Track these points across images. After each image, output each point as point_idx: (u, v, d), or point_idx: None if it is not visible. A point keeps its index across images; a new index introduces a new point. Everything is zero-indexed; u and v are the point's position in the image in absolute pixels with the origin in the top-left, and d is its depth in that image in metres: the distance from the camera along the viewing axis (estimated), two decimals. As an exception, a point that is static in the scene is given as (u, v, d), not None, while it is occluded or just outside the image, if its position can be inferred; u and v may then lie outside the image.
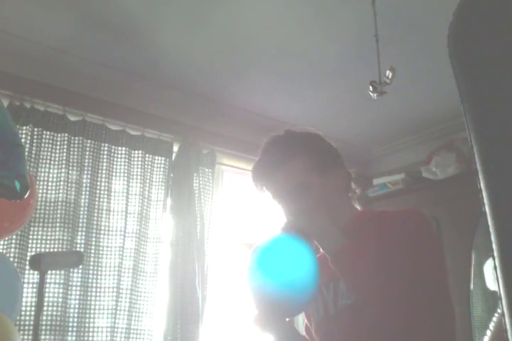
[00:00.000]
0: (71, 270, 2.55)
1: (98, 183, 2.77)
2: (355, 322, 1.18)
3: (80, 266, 2.48)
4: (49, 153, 2.67)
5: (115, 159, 2.86)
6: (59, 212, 2.60)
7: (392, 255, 1.14)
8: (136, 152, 2.94)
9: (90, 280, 2.61)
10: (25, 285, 2.38)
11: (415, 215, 1.24)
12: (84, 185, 2.72)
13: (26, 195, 1.36)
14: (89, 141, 2.79)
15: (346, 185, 1.37)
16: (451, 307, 1.14)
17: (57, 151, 2.69)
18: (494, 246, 0.50)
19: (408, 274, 1.10)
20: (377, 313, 1.10)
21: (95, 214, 2.72)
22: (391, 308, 1.07)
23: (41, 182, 2.61)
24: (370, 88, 2.02)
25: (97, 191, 2.76)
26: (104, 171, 2.81)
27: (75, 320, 2.53)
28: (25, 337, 2.33)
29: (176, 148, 3.11)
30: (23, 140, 2.54)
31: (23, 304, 2.30)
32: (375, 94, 2.03)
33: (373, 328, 1.12)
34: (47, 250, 2.52)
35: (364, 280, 1.11)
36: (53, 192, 2.63)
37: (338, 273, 1.16)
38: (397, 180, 3.57)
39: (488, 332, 2.04)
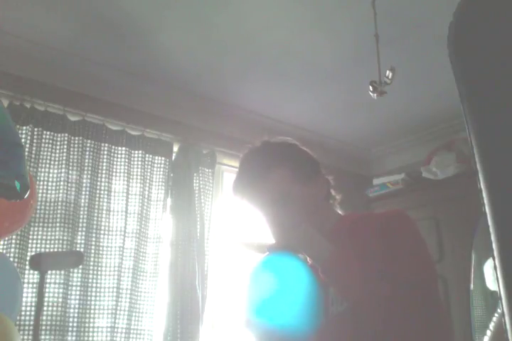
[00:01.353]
0: (71, 270, 2.55)
1: (98, 183, 2.77)
2: (347, 329, 1.17)
3: (80, 266, 2.48)
4: (49, 153, 2.67)
5: (115, 159, 2.86)
6: (59, 212, 2.60)
7: (379, 258, 1.13)
8: (136, 152, 2.94)
9: (90, 280, 2.61)
10: (25, 285, 2.38)
11: (398, 217, 1.24)
12: (84, 185, 2.72)
13: (26, 195, 1.36)
14: (89, 141, 2.79)
15: (327, 192, 1.37)
16: (443, 307, 1.14)
17: (57, 151, 2.69)
18: (494, 246, 0.50)
19: (393, 276, 1.09)
20: (371, 317, 1.10)
21: (95, 214, 2.72)
22: (383, 311, 1.07)
23: (41, 182, 2.61)
24: (370, 88, 2.02)
25: (97, 191, 2.76)
26: (104, 171, 2.81)
27: (75, 320, 2.53)
28: (25, 337, 2.33)
29: (176, 148, 3.11)
30: (23, 140, 2.54)
31: (23, 304, 2.30)
32: (375, 94, 2.03)
33: (366, 333, 1.12)
34: (47, 250, 2.52)
35: (355, 285, 1.11)
36: (53, 192, 2.63)
37: (329, 280, 1.15)
38: (397, 180, 3.57)
39: (488, 332, 2.04)
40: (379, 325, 1.09)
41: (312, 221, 1.27)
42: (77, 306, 2.55)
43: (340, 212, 1.39)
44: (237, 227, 3.29)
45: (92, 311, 2.59)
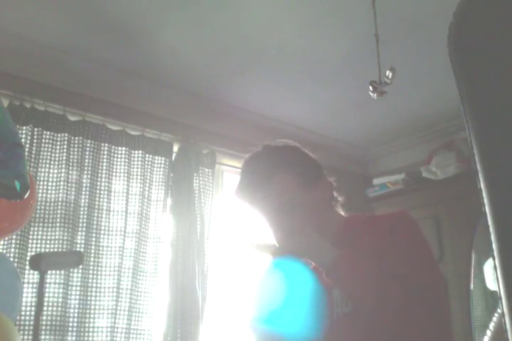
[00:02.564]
0: (71, 270, 2.55)
1: (98, 183, 2.77)
2: (353, 330, 1.17)
3: (80, 266, 2.48)
4: (49, 153, 2.67)
5: (115, 159, 2.86)
6: (59, 212, 2.60)
7: (384, 260, 1.14)
8: (136, 152, 2.94)
9: (90, 280, 2.61)
10: (25, 285, 2.38)
11: (402, 218, 1.25)
12: (84, 185, 2.72)
13: (26, 195, 1.36)
14: (89, 141, 2.79)
15: (330, 195, 1.36)
16: (447, 307, 1.15)
17: (57, 151, 2.69)
18: (494, 246, 0.50)
19: (402, 278, 1.10)
20: (376, 318, 1.10)
21: (95, 214, 2.72)
22: (389, 313, 1.07)
23: (41, 182, 2.61)
24: (370, 88, 2.02)
25: (97, 191, 2.76)
26: (104, 171, 2.81)
27: (75, 320, 2.53)
28: (25, 337, 2.33)
29: (176, 148, 3.11)
30: (23, 140, 2.54)
31: (23, 304, 2.30)
32: (375, 94, 2.02)
33: (372, 334, 1.12)
34: (47, 250, 2.52)
35: (361, 287, 1.11)
36: (53, 192, 2.63)
37: (335, 283, 1.15)
38: (397, 180, 3.57)
39: (488, 332, 2.03)
40: (387, 325, 1.09)
41: (316, 224, 1.27)
42: (77, 306, 2.55)
43: (343, 214, 1.39)
44: (237, 227, 3.28)
45: (92, 311, 2.59)
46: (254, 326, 1.15)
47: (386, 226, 1.22)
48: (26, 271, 2.42)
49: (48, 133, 2.68)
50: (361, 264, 1.14)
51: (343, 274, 1.14)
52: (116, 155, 2.87)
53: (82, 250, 2.60)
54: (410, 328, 1.07)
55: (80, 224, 2.67)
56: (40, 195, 2.57)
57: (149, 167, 2.97)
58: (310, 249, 1.19)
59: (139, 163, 2.93)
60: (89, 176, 2.75)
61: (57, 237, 2.56)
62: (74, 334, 2.51)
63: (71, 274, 2.56)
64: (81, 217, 2.68)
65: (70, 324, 2.51)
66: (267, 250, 1.28)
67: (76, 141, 2.75)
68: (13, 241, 2.41)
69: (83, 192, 2.71)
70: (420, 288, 1.08)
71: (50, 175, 2.65)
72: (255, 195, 1.30)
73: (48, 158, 2.66)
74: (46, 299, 2.44)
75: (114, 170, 2.85)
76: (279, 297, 1.11)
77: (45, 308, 2.43)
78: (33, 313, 2.33)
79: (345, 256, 1.15)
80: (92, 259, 2.65)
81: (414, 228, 1.23)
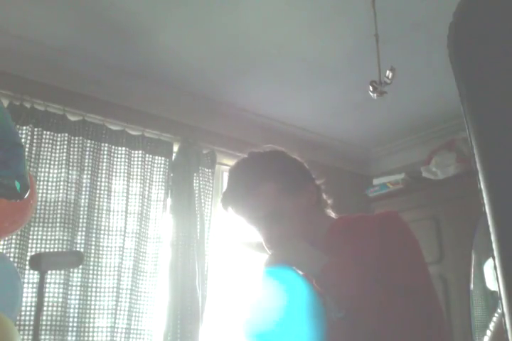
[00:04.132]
0: (71, 270, 2.55)
1: (98, 183, 2.77)
2: (348, 335, 1.17)
3: (80, 266, 2.48)
4: (49, 153, 2.67)
5: (115, 159, 2.86)
6: (59, 212, 2.60)
7: (373, 263, 1.13)
8: (136, 152, 2.94)
9: (90, 280, 2.61)
10: (25, 285, 2.38)
11: (391, 219, 1.23)
12: (84, 185, 2.72)
13: (26, 195, 1.36)
14: (89, 141, 2.79)
15: (317, 198, 1.34)
16: (440, 310, 1.14)
17: (57, 151, 2.69)
18: (494, 246, 0.50)
19: (386, 281, 1.09)
20: (367, 322, 1.10)
21: (95, 214, 2.72)
22: (381, 317, 1.07)
23: (41, 182, 2.61)
24: (370, 88, 2.01)
25: (97, 191, 2.76)
26: (104, 171, 2.81)
27: (75, 320, 2.53)
28: (25, 337, 2.33)
29: (176, 148, 3.11)
30: (23, 140, 2.54)
31: (23, 304, 2.30)
32: (375, 94, 2.02)
33: (366, 339, 1.12)
34: (47, 250, 2.52)
35: (349, 294, 1.10)
36: (53, 192, 2.63)
37: (325, 291, 1.15)
38: (397, 180, 3.57)
39: (488, 332, 2.03)
40: (376, 330, 1.08)
41: (304, 230, 1.27)
42: (77, 306, 2.55)
43: (333, 215, 1.37)
44: (237, 227, 3.29)
45: (92, 311, 2.59)
46: (249, 339, 1.13)
47: (373, 226, 1.20)
48: (26, 271, 2.42)
49: (48, 133, 2.69)
50: (346, 271, 1.13)
51: (330, 281, 1.13)
52: (116, 155, 2.87)
53: (82, 250, 2.60)
54: (398, 331, 1.06)
55: (80, 224, 2.67)
56: (40, 195, 2.57)
57: (149, 167, 2.97)
58: (298, 259, 1.18)
59: (139, 163, 2.93)
60: (89, 176, 2.75)
61: (57, 237, 2.56)
62: (74, 334, 2.51)
63: (71, 274, 2.56)
64: (81, 217, 2.68)
65: (70, 324, 2.51)
66: (259, 249, 1.27)
67: (76, 141, 2.75)
68: (13, 241, 2.41)
69: (83, 192, 2.71)
70: (405, 290, 1.07)
71: (50, 175, 2.65)
72: (241, 206, 1.29)
73: (48, 158, 2.66)
74: (46, 299, 2.44)
75: (114, 170, 2.85)
76: (274, 309, 1.09)
77: (45, 308, 2.43)
78: (33, 313, 2.33)
79: (331, 265, 1.14)
80: (92, 259, 2.65)
81: (402, 228, 1.21)
